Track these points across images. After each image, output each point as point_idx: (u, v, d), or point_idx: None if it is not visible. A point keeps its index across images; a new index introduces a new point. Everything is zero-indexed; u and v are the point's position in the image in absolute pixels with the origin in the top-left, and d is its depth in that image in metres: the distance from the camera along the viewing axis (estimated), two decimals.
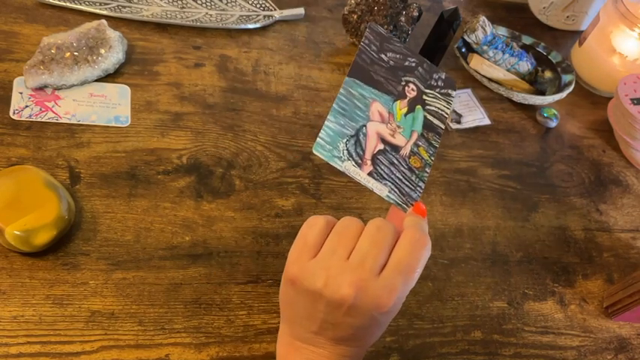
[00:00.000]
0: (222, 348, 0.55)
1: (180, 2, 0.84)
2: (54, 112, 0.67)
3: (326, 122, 0.43)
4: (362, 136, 0.45)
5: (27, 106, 0.67)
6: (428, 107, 0.49)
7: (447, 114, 0.49)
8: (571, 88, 0.87)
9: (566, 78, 0.89)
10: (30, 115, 0.66)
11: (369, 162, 0.45)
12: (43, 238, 0.54)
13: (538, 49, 0.93)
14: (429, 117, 0.49)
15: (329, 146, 0.43)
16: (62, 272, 0.56)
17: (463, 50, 0.90)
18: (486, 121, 0.84)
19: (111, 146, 0.67)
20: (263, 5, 0.88)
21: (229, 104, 0.75)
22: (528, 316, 0.65)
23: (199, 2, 0.85)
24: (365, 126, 0.45)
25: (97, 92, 0.71)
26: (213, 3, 0.85)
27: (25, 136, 0.65)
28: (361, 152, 0.44)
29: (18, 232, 0.53)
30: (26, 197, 0.56)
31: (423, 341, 0.61)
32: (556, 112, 0.86)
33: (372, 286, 0.40)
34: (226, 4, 0.86)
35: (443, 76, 0.50)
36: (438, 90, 0.50)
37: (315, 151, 0.43)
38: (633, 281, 0.65)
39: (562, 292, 0.69)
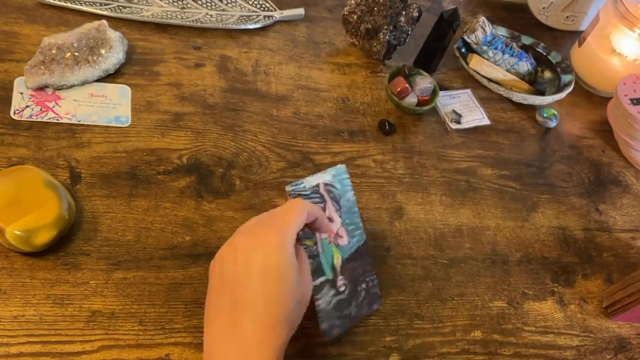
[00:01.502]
0: None
1: (180, 2, 0.84)
2: (54, 112, 0.67)
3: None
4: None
5: (27, 106, 0.67)
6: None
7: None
8: (570, 89, 0.87)
9: (566, 78, 0.89)
10: (30, 115, 0.66)
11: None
12: (43, 238, 0.54)
13: (538, 49, 0.93)
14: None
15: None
16: (63, 272, 0.56)
17: (463, 50, 0.90)
18: (486, 121, 0.84)
19: (111, 146, 0.67)
20: (263, 5, 0.88)
21: (229, 104, 0.75)
22: (528, 316, 0.66)
23: (199, 2, 0.85)
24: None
25: (98, 92, 0.71)
26: (213, 3, 0.85)
27: (26, 136, 0.65)
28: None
29: (18, 232, 0.53)
30: (27, 197, 0.56)
31: (423, 341, 0.61)
32: (556, 113, 0.87)
33: None
34: (226, 5, 0.86)
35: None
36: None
37: None
38: (632, 281, 0.65)
39: (562, 291, 0.69)
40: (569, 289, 0.69)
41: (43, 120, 0.66)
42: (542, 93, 0.89)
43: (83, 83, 0.71)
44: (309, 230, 0.53)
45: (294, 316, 0.48)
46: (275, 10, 0.88)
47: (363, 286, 0.57)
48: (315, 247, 0.52)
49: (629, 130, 0.83)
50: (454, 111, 0.84)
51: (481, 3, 1.05)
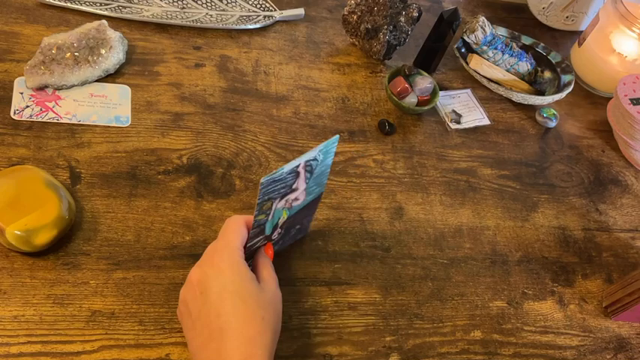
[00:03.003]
0: None
1: (180, 3, 0.84)
2: (54, 113, 0.67)
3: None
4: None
5: (27, 106, 0.67)
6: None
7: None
8: (570, 89, 0.87)
9: (566, 78, 0.89)
10: (30, 115, 0.66)
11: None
12: (43, 238, 0.54)
13: (537, 49, 0.93)
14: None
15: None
16: (63, 272, 0.56)
17: (463, 50, 0.90)
18: (486, 121, 0.84)
19: (111, 146, 0.67)
20: (263, 5, 0.88)
21: (229, 104, 0.75)
22: (528, 316, 0.66)
23: (200, 3, 0.85)
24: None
25: (98, 92, 0.71)
26: (213, 3, 0.85)
27: (26, 136, 0.65)
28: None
29: (18, 232, 0.53)
30: (27, 197, 0.56)
31: (423, 341, 0.61)
32: (555, 112, 0.87)
33: None
34: (226, 5, 0.86)
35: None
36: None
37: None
38: (632, 280, 0.65)
39: (561, 291, 0.69)
40: (568, 288, 0.69)
41: (43, 120, 0.66)
42: (542, 93, 0.89)
43: (83, 83, 0.71)
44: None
45: (270, 321, 0.49)
46: (275, 10, 0.88)
47: (298, 226, 0.60)
48: (265, 219, 0.52)
49: (629, 130, 0.83)
50: (454, 111, 0.84)
51: (481, 3, 1.05)
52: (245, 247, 0.53)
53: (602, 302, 0.69)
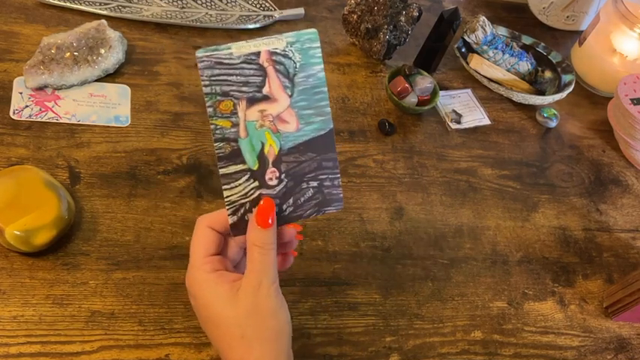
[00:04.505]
0: None
1: (180, 2, 0.84)
2: (54, 112, 0.67)
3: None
4: None
5: (27, 106, 0.67)
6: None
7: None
8: (571, 88, 0.87)
9: (566, 78, 0.89)
10: (30, 115, 0.66)
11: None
12: (42, 238, 0.54)
13: (538, 49, 0.93)
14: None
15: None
16: (62, 272, 0.56)
17: (463, 50, 0.90)
18: (486, 121, 0.84)
19: (111, 146, 0.67)
20: (263, 5, 0.88)
21: None
22: (528, 316, 0.66)
23: (199, 2, 0.85)
24: None
25: (97, 92, 0.71)
26: (213, 3, 0.85)
27: (25, 136, 0.65)
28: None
29: (18, 232, 0.53)
30: (26, 197, 0.56)
31: (423, 341, 0.61)
32: (556, 112, 0.86)
33: None
34: (226, 4, 0.86)
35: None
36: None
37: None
38: (633, 280, 0.65)
39: (562, 292, 0.69)
40: (569, 289, 0.69)
41: (43, 120, 0.66)
42: (542, 93, 0.89)
43: (83, 83, 0.71)
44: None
45: (254, 335, 0.42)
46: (275, 9, 0.88)
47: (313, 184, 0.45)
48: (232, 130, 0.42)
49: (630, 130, 0.83)
50: (454, 111, 0.84)
51: (481, 3, 1.04)
52: (231, 225, 0.43)
53: (602, 302, 0.69)
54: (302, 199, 0.45)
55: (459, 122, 0.83)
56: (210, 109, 0.41)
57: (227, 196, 0.42)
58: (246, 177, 0.43)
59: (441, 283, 0.65)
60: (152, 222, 0.62)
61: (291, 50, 0.42)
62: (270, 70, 0.41)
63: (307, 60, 0.42)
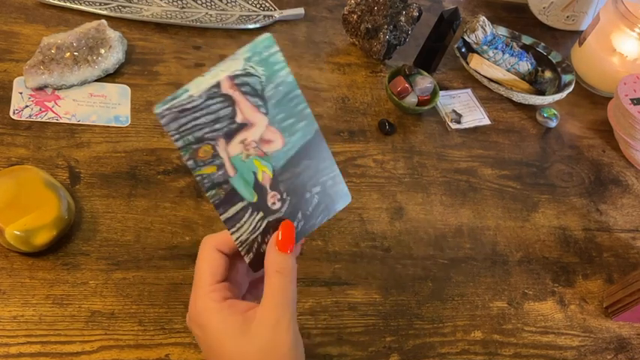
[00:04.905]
0: None
1: (180, 2, 0.84)
2: (54, 112, 0.67)
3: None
4: None
5: (27, 106, 0.67)
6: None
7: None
8: (571, 88, 0.87)
9: (566, 78, 0.89)
10: (30, 115, 0.66)
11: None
12: (42, 238, 0.54)
13: (538, 49, 0.93)
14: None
15: None
16: (62, 272, 0.56)
17: (463, 50, 0.90)
18: (486, 121, 0.84)
19: (111, 146, 0.67)
20: (263, 5, 0.88)
21: None
22: (528, 316, 0.66)
23: (199, 2, 0.85)
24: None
25: (97, 92, 0.71)
26: (213, 3, 0.85)
27: (25, 136, 0.65)
28: None
29: (18, 232, 0.53)
30: (26, 197, 0.56)
31: (423, 341, 0.61)
32: (556, 112, 0.86)
33: None
34: (226, 4, 0.86)
35: None
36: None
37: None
38: (633, 280, 0.65)
39: (562, 292, 0.69)
40: (569, 289, 0.69)
41: (43, 120, 0.66)
42: (542, 93, 0.89)
43: (83, 83, 0.71)
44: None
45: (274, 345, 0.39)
46: (275, 9, 0.88)
47: (316, 189, 0.43)
48: (219, 173, 0.39)
49: (630, 130, 0.83)
50: (454, 111, 0.84)
51: (481, 3, 1.04)
52: (241, 251, 0.41)
53: (602, 302, 0.69)
54: (310, 209, 0.43)
55: (459, 122, 0.82)
56: (190, 162, 0.37)
57: (237, 238, 0.40)
58: (249, 212, 0.41)
59: (440, 283, 0.65)
60: (152, 222, 0.62)
61: (251, 66, 0.39)
62: (237, 95, 0.38)
63: (271, 69, 0.39)
